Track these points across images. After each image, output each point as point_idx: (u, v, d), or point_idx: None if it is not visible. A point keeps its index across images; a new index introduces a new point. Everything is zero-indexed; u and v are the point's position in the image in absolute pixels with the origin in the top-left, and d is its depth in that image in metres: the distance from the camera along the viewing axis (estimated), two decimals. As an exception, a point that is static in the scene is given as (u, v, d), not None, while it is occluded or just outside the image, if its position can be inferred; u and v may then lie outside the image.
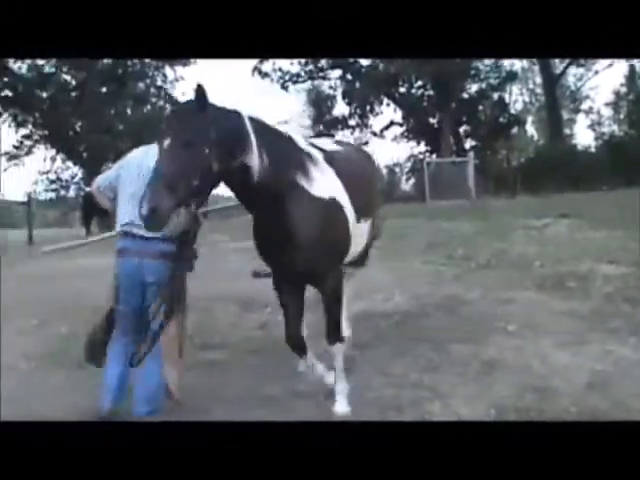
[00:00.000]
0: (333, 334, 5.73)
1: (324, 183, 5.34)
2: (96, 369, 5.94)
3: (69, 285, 8.96)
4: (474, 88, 41.96)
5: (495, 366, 6.46)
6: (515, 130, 46.44)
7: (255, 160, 4.87)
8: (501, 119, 42.60)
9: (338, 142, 6.77)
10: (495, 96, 42.73)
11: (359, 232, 5.87)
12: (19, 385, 6.66)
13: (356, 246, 5.89)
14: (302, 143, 5.53)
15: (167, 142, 4.53)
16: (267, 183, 4.95)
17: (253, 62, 39.44)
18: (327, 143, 6.24)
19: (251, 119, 5.00)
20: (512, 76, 43.52)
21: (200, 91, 4.62)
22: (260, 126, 5.05)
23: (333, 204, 5.35)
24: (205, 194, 4.85)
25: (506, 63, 41.62)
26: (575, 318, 7.93)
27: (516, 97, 57.43)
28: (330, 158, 5.68)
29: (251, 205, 5.30)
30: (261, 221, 5.38)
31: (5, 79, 36.83)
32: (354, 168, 6.02)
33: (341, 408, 5.61)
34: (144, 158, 5.67)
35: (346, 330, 6.61)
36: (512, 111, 47.56)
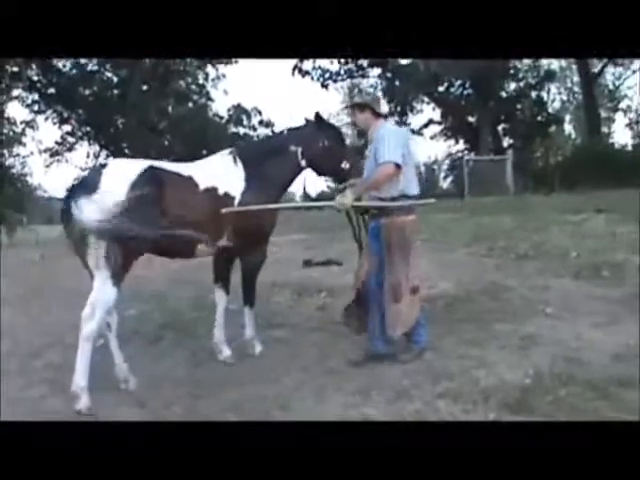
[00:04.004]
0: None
1: None
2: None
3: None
4: (512, 87, 42.10)
5: (534, 341, 7.13)
6: (553, 129, 46.45)
7: None
8: (539, 118, 42.78)
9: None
10: (533, 95, 42.74)
11: None
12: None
13: None
14: None
15: None
16: None
17: (293, 60, 39.38)
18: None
19: None
20: (550, 75, 43.41)
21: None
22: None
23: None
24: None
25: (544, 62, 41.63)
26: (608, 302, 8.46)
27: (554, 96, 57.31)
28: None
29: None
30: None
31: (49, 76, 37.92)
32: None
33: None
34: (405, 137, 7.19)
35: None
36: (550, 110, 47.38)
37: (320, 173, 8.03)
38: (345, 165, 7.67)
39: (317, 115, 7.70)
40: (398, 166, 6.65)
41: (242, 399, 6.04)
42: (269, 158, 7.40)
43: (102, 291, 6.05)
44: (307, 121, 7.74)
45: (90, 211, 5.80)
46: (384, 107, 8.04)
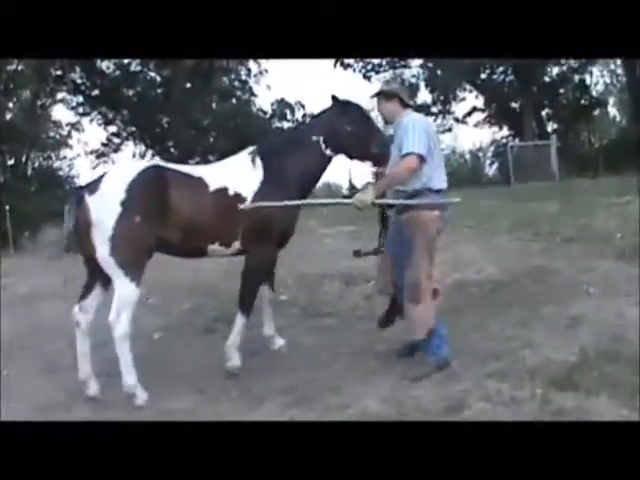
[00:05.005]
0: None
1: None
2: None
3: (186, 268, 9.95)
4: (555, 71, 41.41)
5: (579, 321, 7.28)
6: (597, 112, 45.43)
7: None
8: (582, 101, 42.06)
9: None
10: (576, 78, 42.12)
11: None
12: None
13: None
14: None
15: None
16: None
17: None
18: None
19: None
20: (592, 58, 43.00)
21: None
22: None
23: None
24: None
25: (587, 45, 40.92)
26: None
27: (597, 79, 56.34)
28: None
29: None
30: None
31: (92, 78, 38.26)
32: None
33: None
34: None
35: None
36: (593, 93, 46.57)
37: (352, 158, 7.40)
38: (375, 148, 7.13)
39: (333, 98, 7.25)
40: (422, 158, 6.13)
41: (295, 383, 6.29)
42: (290, 153, 7.08)
43: (122, 292, 6.16)
44: (333, 101, 7.26)
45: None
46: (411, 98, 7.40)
